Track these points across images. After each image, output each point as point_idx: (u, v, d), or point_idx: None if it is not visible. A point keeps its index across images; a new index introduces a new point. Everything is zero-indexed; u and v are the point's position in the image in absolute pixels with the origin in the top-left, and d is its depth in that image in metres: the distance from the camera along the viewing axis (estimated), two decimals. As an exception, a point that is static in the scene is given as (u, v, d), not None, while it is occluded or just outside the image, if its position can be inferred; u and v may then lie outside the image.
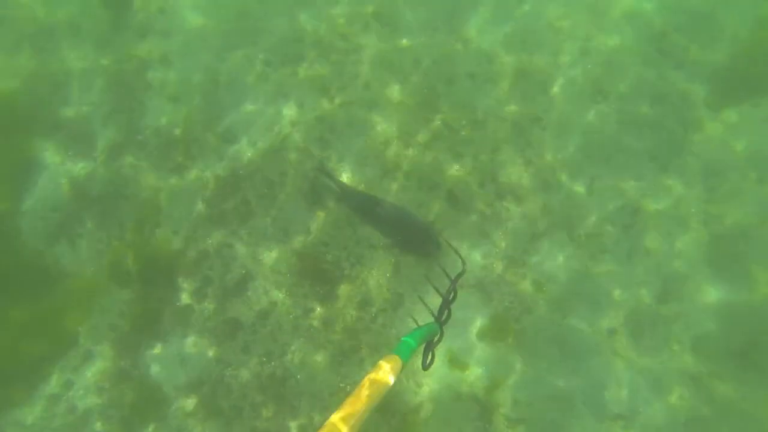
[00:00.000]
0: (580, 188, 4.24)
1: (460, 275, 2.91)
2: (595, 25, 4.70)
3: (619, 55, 4.60)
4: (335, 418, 1.85)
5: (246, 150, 4.34)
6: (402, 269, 3.99)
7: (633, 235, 4.09)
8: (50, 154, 4.36)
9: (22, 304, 3.97)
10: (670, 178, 4.25)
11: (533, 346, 3.82)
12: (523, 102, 4.47)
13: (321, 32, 4.69)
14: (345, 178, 4.22)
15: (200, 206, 4.20)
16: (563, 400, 3.71)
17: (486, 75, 4.54)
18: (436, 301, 2.84)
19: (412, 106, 4.44)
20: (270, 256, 4.05)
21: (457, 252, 3.09)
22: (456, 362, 3.78)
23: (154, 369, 3.82)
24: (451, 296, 2.84)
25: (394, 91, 4.50)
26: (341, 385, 3.71)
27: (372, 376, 2.07)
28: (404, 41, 4.65)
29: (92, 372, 3.82)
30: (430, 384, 3.72)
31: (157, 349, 3.86)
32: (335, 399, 3.63)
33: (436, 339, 2.68)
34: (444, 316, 2.79)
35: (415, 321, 3.00)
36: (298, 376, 3.75)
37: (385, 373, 2.10)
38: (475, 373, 3.76)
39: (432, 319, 2.77)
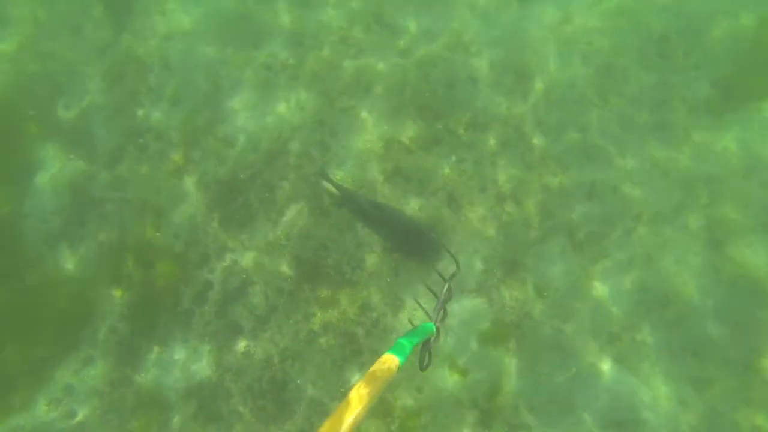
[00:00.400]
0: (580, 192, 4.23)
1: (453, 275, 2.95)
2: (596, 29, 4.68)
3: (620, 59, 4.58)
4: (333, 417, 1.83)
5: (247, 153, 4.33)
6: (403, 273, 3.99)
7: (634, 240, 4.09)
8: (51, 157, 4.35)
9: (22, 306, 3.97)
10: (671, 182, 4.24)
11: (534, 351, 3.82)
12: (524, 105, 4.46)
13: (322, 35, 4.67)
14: (345, 182, 4.22)
15: (201, 210, 4.19)
16: (564, 406, 3.71)
17: (487, 78, 4.53)
18: (434, 302, 2.87)
19: (413, 110, 4.43)
20: (270, 260, 4.04)
21: (450, 252, 3.13)
22: (456, 367, 3.78)
23: (155, 373, 3.82)
24: (446, 296, 2.87)
25: (395, 95, 4.48)
26: (342, 390, 3.71)
27: (369, 374, 2.08)
28: (404, 44, 4.64)
29: (92, 376, 3.82)
30: (430, 389, 3.72)
31: (158, 353, 3.86)
32: (335, 404, 3.63)
33: (432, 339, 2.70)
34: (439, 316, 2.82)
35: (411, 323, 3.02)
36: (299, 381, 3.75)
37: (384, 371, 2.11)
38: (475, 378, 3.76)
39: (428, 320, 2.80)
